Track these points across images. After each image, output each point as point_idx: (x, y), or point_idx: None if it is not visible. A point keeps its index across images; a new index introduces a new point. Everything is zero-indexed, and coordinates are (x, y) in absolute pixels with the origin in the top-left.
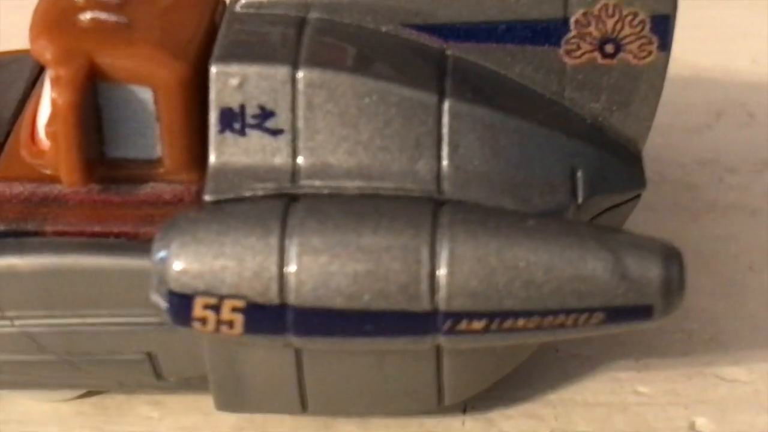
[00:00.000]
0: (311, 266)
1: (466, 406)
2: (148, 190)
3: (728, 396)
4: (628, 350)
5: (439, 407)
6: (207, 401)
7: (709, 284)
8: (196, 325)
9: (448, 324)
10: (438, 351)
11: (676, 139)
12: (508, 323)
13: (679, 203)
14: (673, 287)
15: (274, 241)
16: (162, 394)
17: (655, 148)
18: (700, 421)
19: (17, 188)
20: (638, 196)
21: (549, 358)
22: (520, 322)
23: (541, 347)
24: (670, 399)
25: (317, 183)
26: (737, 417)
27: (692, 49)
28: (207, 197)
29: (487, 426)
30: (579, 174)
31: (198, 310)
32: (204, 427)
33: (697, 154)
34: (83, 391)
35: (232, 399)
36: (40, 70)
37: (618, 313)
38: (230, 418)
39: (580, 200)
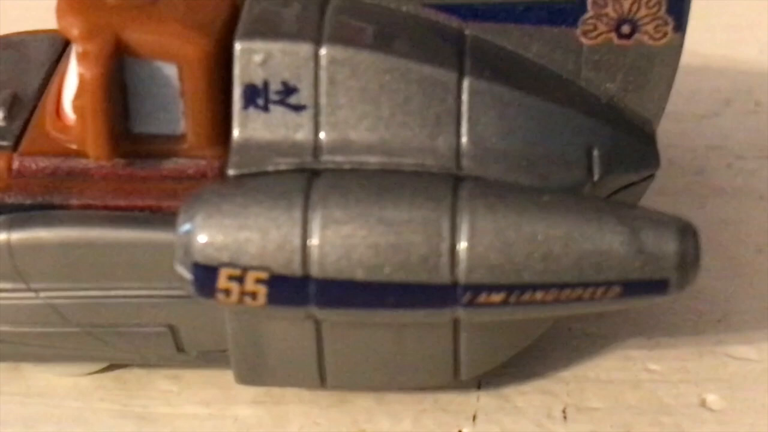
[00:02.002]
0: (333, 238)
1: (481, 382)
2: (172, 164)
3: (738, 374)
4: (640, 329)
5: (455, 382)
6: (225, 376)
7: (718, 266)
8: (220, 296)
9: (467, 296)
10: (455, 325)
11: (685, 125)
12: (526, 296)
13: (688, 188)
14: (689, 261)
15: (297, 213)
16: (181, 369)
17: (664, 134)
18: (711, 398)
19: (43, 162)
20: (652, 176)
21: (562, 337)
22: (539, 295)
23: (554, 325)
24: (681, 376)
25: (339, 158)
26: (747, 394)
27: (701, 38)
28: (231, 171)
29: (501, 401)
30: (595, 152)
31: (222, 282)
32: (222, 401)
33: (706, 141)
34: (104, 365)
35: (252, 372)
36: (62, 49)
37: (634, 287)
38: (248, 392)
39: (596, 178)
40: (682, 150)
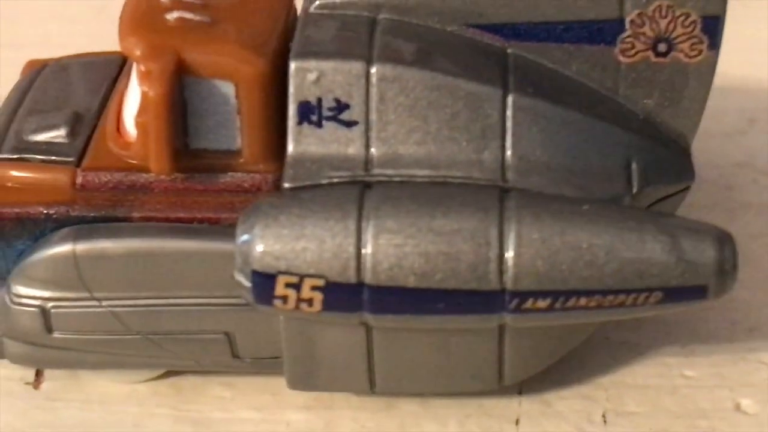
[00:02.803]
0: (386, 247)
1: (522, 388)
2: (229, 179)
3: None
4: (676, 338)
5: (498, 387)
6: (276, 382)
7: (749, 277)
8: (278, 303)
9: (515, 303)
10: (501, 331)
11: (712, 143)
12: (571, 302)
13: (716, 203)
14: (727, 268)
15: (351, 223)
16: (234, 376)
17: (693, 151)
18: (745, 403)
19: (106, 177)
20: (688, 188)
21: (600, 345)
22: (583, 300)
23: (593, 334)
24: (716, 382)
25: (389, 171)
26: None
27: (726, 59)
28: (286, 184)
29: (542, 406)
30: (633, 165)
31: (280, 289)
32: (274, 406)
33: (733, 158)
34: (161, 371)
35: (304, 377)
36: (119, 69)
37: (675, 293)
38: (299, 398)
39: (635, 190)
40: (710, 167)
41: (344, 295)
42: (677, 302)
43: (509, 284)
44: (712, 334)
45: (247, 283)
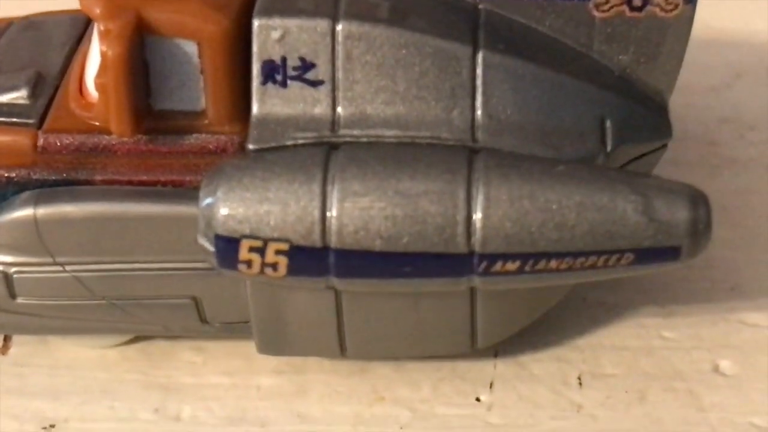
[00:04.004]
0: (352, 210)
1: (498, 351)
2: (193, 140)
3: (750, 340)
4: (654, 298)
5: (472, 350)
6: (248, 347)
7: (730, 235)
8: (242, 267)
9: (483, 265)
10: (472, 294)
11: (697, 98)
12: (541, 264)
13: (700, 159)
14: (700, 229)
15: (316, 186)
16: (204, 341)
17: (676, 107)
18: (724, 364)
19: (67, 139)
20: (665, 146)
21: (577, 306)
22: (553, 263)
23: (569, 295)
24: (694, 343)
25: (356, 132)
26: (760, 359)
27: (712, 11)
28: (250, 146)
29: (517, 369)
30: (608, 123)
31: (244, 253)
32: (245, 371)
33: (718, 113)
34: (129, 336)
35: (274, 342)
36: (84, 29)
37: (647, 254)
38: (270, 362)
39: (609, 148)
40: (695, 122)
41: (309, 260)
42: (650, 264)
43: (477, 247)
44: (691, 295)
45: (211, 248)
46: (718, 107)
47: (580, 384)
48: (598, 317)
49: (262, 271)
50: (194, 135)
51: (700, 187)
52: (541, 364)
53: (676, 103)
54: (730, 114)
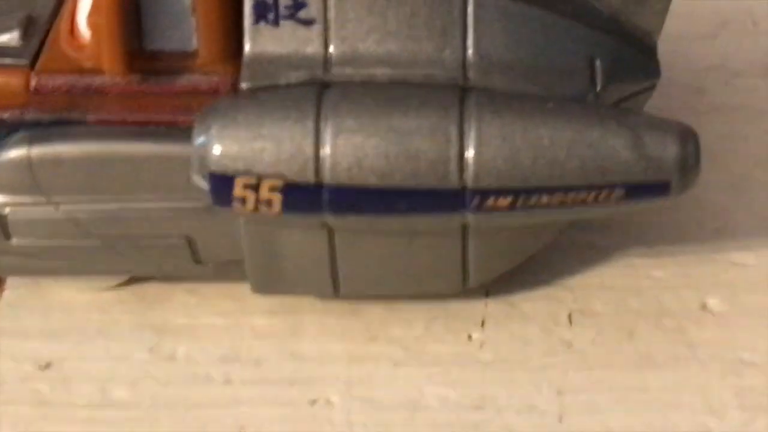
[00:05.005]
0: (345, 147)
1: (489, 291)
2: (185, 81)
3: (737, 278)
4: (643, 240)
5: (463, 289)
6: (241, 289)
7: (718, 179)
8: (236, 205)
9: (475, 201)
10: (464, 232)
11: (684, 46)
12: (532, 200)
13: (688, 105)
14: (689, 164)
15: (309, 123)
16: (198, 283)
17: (664, 55)
18: (712, 302)
19: (60, 80)
20: (653, 86)
21: (567, 248)
22: (544, 198)
23: (559, 237)
24: (682, 282)
25: (348, 71)
26: (746, 297)
27: None
28: (243, 85)
29: (508, 308)
30: (597, 63)
31: (238, 190)
32: (238, 312)
33: (705, 61)
34: (123, 279)
35: (268, 281)
36: None
37: (637, 190)
38: (264, 303)
39: (598, 87)
40: (682, 70)
41: (304, 196)
42: (640, 199)
43: (470, 182)
44: (680, 236)
45: (205, 186)
46: (705, 55)
47: (571, 322)
48: (588, 258)
49: (256, 208)
50: (186, 75)
51: None
52: (531, 303)
53: (663, 51)
54: (717, 62)
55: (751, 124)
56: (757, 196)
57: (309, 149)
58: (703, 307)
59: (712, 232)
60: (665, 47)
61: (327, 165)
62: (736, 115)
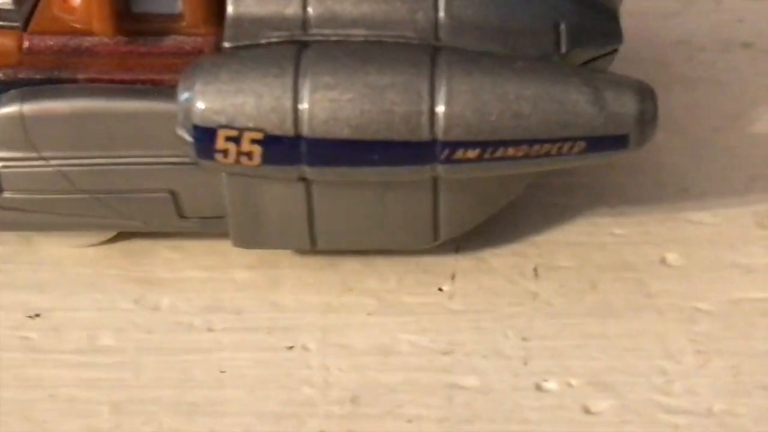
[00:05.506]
0: (322, 101)
1: (459, 247)
2: (171, 41)
3: (695, 235)
4: (606, 200)
5: (435, 243)
6: (223, 245)
7: (679, 144)
8: (219, 156)
9: (445, 153)
10: (435, 186)
11: (650, 23)
12: (499, 152)
13: (652, 78)
14: (647, 118)
15: (288, 79)
16: (182, 239)
17: (630, 31)
18: (671, 256)
19: (51, 41)
20: (615, 50)
21: (533, 207)
22: (510, 150)
23: (525, 197)
24: (643, 238)
25: (326, 31)
26: (703, 252)
27: None
28: (226, 44)
29: (477, 263)
30: (562, 26)
31: (220, 143)
32: (221, 266)
33: (670, 36)
34: (111, 234)
35: (248, 235)
36: None
37: (597, 143)
38: (245, 258)
39: (563, 50)
40: (648, 46)
41: (282, 148)
42: (600, 152)
43: (440, 135)
44: (641, 197)
45: (189, 138)
46: (670, 32)
47: (536, 275)
48: (554, 217)
49: (237, 160)
50: (172, 36)
51: None
52: (499, 258)
53: (629, 27)
54: (682, 37)
55: (711, 95)
56: (715, 160)
57: (288, 103)
58: (663, 261)
59: (672, 193)
60: (633, 23)
61: (305, 118)
62: (698, 86)
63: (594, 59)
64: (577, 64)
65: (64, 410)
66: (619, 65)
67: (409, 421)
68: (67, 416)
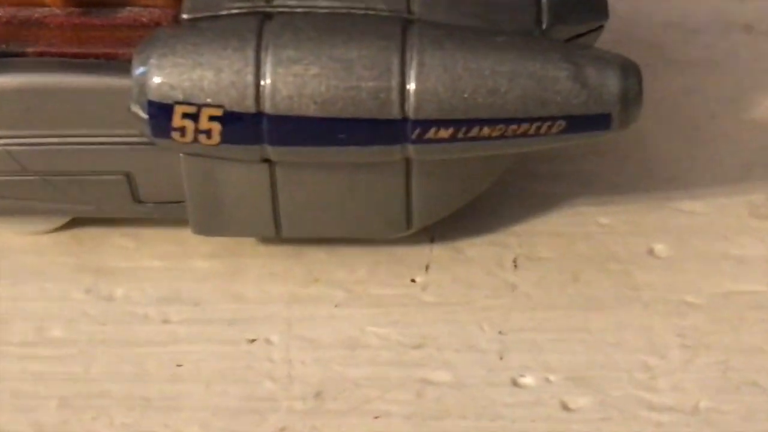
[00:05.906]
0: (285, 75)
1: (434, 237)
2: (126, 13)
3: (685, 225)
4: (592, 189)
5: (407, 231)
6: (182, 233)
7: (672, 130)
8: (175, 135)
9: (417, 132)
10: (407, 170)
11: (645, 5)
12: (474, 131)
13: (646, 60)
14: (631, 97)
15: (250, 51)
16: (138, 227)
17: (623, 11)
18: (658, 247)
19: None
20: (600, 28)
21: (515, 195)
22: (486, 130)
23: (506, 185)
24: (630, 228)
25: (291, 2)
26: (692, 243)
27: None
28: (184, 15)
29: (453, 253)
30: (543, 0)
31: (177, 120)
32: (180, 255)
33: (664, 18)
34: (62, 222)
35: (209, 221)
36: None
37: (578, 122)
38: (205, 246)
39: (544, 26)
40: (641, 27)
41: (243, 126)
42: (581, 131)
43: (411, 112)
44: (629, 185)
45: (144, 115)
46: (664, 13)
47: (516, 266)
48: (536, 206)
49: (195, 139)
50: (128, 8)
51: (644, 85)
52: (477, 248)
53: (623, 7)
54: (675, 19)
55: (707, 78)
56: (709, 147)
57: (249, 78)
58: (650, 252)
59: (662, 181)
60: (625, 5)
61: (267, 94)
62: (693, 70)
63: (578, 36)
64: (560, 40)
65: (9, 405)
66: (608, 47)
67: (376, 417)
68: (12, 411)
